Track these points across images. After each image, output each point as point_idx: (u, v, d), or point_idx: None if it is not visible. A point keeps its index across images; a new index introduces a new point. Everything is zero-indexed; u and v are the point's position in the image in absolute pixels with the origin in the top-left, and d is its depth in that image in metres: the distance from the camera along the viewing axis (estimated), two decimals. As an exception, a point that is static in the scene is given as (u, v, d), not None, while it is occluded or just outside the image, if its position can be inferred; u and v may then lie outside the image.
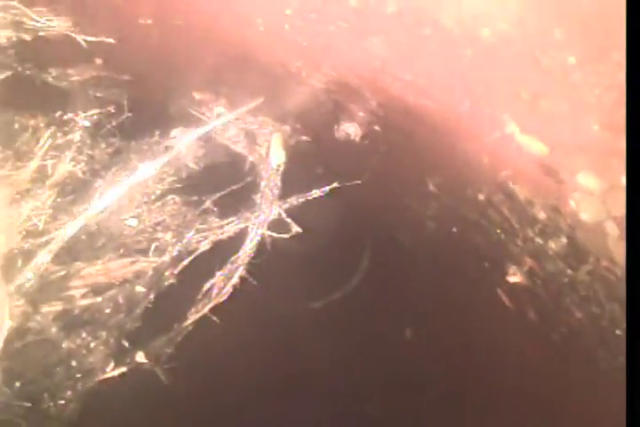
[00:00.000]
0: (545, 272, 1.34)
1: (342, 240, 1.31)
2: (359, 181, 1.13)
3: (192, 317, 1.04)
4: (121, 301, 0.94)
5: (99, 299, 1.01)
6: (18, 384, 0.95)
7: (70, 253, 1.05)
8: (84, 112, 1.03)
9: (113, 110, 1.08)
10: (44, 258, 1.01)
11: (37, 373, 0.96)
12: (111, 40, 1.17)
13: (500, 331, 1.34)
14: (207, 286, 1.04)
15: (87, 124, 1.03)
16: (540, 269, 1.38)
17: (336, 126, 1.04)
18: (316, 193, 1.00)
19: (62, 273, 1.03)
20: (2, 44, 1.10)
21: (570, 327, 1.29)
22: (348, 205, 1.20)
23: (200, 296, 1.04)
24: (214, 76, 1.01)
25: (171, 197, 1.11)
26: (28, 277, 0.99)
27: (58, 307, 1.01)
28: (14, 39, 1.17)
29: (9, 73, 1.12)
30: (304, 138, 1.12)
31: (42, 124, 1.01)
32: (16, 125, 0.98)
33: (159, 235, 1.07)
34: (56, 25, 1.18)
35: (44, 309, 1.00)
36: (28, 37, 1.17)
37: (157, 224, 1.10)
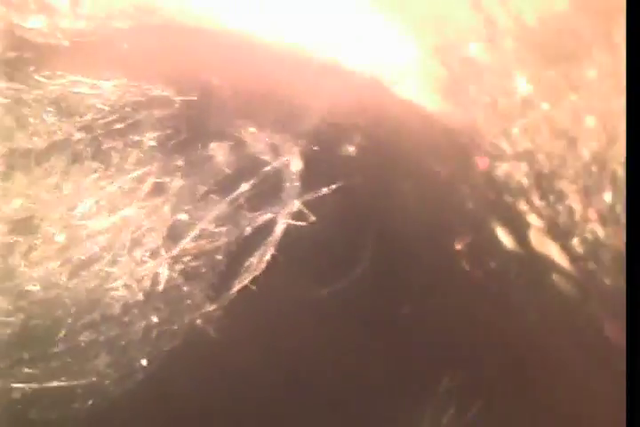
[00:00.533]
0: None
1: (348, 231, 1.58)
2: (361, 179, 1.44)
3: (236, 286, 1.35)
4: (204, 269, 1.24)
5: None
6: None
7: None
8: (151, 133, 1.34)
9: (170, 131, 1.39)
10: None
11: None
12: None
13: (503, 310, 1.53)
14: (247, 262, 1.36)
15: (153, 143, 1.34)
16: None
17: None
18: (325, 191, 1.31)
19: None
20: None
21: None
22: (353, 200, 1.50)
23: (242, 270, 1.36)
24: (249, 105, 1.31)
25: (211, 196, 1.42)
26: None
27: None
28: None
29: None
30: (316, 148, 1.42)
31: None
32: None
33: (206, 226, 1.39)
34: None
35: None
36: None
37: (201, 218, 1.42)
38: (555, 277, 1.52)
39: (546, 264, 1.53)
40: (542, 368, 1.31)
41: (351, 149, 1.28)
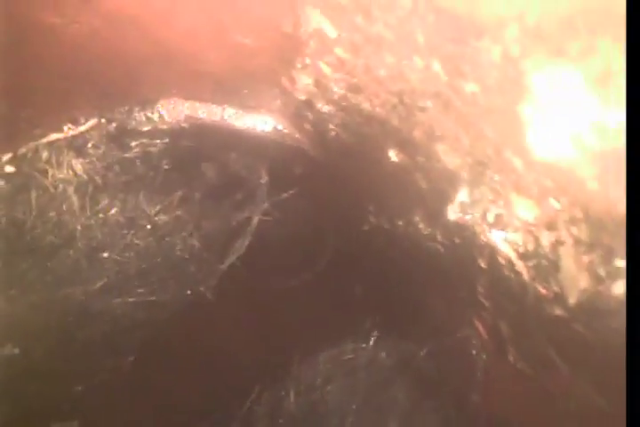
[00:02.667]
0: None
1: (310, 229, 2.01)
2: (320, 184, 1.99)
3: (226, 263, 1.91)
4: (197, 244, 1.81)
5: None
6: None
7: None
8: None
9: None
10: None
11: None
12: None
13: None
14: (234, 246, 1.93)
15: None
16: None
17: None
18: (285, 195, 1.87)
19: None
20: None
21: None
22: (315, 201, 2.04)
23: (230, 252, 1.92)
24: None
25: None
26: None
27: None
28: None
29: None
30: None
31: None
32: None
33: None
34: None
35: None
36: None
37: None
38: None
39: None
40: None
41: (299, 170, 1.84)
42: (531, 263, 1.37)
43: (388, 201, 1.68)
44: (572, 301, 1.30)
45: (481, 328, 1.56)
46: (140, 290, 1.61)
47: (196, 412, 1.64)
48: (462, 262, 1.53)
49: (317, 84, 1.53)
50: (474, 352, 1.62)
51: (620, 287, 1.24)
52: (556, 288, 1.32)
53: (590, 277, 1.24)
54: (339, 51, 1.38)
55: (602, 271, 1.25)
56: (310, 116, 1.63)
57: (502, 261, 1.44)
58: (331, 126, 1.61)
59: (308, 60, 1.48)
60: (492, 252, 1.45)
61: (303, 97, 1.61)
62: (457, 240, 1.53)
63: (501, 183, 1.37)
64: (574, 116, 1.20)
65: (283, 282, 1.95)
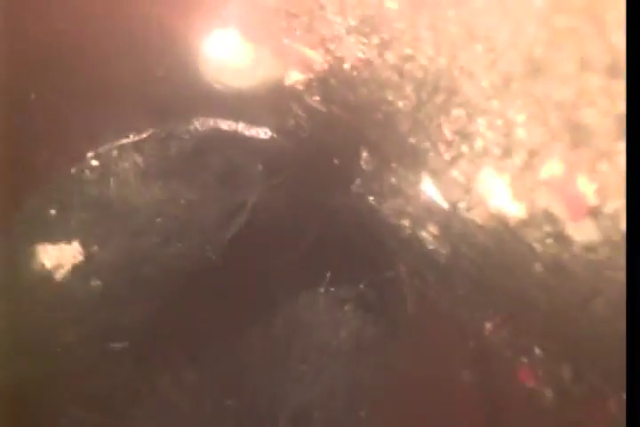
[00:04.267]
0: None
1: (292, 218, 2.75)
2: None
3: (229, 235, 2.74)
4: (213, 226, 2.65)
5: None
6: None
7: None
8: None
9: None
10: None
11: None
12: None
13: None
14: (234, 221, 2.75)
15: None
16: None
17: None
18: (274, 181, 2.71)
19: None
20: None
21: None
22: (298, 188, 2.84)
23: (232, 226, 2.75)
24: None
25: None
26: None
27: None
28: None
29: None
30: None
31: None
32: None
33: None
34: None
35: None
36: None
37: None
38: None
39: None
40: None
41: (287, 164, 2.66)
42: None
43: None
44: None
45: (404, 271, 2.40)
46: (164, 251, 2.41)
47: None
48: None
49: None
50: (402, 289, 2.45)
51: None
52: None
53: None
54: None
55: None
56: (299, 130, 2.47)
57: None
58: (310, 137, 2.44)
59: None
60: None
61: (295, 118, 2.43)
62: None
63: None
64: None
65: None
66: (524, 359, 1.79)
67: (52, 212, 2.25)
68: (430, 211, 1.99)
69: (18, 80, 2.18)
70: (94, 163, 2.38)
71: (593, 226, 1.36)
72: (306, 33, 1.94)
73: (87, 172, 2.36)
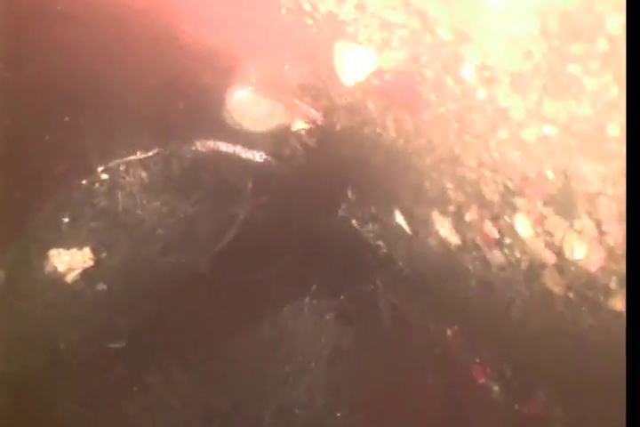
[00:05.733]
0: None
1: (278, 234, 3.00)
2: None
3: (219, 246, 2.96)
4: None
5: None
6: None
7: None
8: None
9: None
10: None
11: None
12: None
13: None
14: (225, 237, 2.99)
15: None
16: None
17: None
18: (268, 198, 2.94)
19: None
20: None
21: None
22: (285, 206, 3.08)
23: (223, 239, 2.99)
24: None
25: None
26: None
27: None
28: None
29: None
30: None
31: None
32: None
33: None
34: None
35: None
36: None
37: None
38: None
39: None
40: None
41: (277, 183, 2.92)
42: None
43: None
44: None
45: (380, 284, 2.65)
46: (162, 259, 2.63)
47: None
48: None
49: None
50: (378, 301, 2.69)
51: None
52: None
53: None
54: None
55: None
56: (290, 152, 2.73)
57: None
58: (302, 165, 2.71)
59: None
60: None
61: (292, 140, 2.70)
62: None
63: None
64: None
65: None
66: (477, 359, 2.01)
67: (65, 220, 2.48)
68: (399, 236, 2.37)
69: (47, 101, 2.41)
70: (104, 176, 2.61)
71: (499, 253, 1.90)
72: (313, 100, 2.36)
73: (97, 184, 2.59)
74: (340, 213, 2.60)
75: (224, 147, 2.69)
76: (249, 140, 2.72)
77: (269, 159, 2.80)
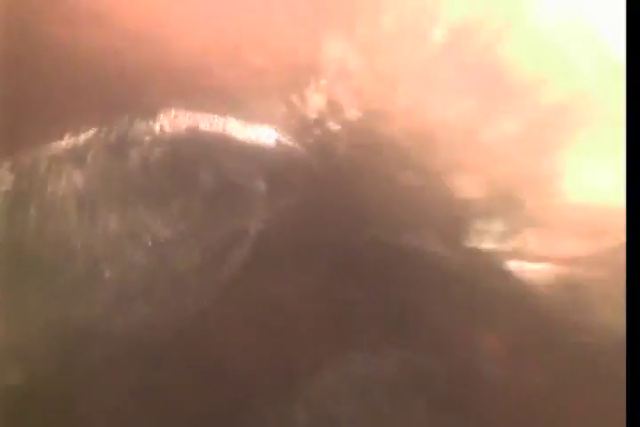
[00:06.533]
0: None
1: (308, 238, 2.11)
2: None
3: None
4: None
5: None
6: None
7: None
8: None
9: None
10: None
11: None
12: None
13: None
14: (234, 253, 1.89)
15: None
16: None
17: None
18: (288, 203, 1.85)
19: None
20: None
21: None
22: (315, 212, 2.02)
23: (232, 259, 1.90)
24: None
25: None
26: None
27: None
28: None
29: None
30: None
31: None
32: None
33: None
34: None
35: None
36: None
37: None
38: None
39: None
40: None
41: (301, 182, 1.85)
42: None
43: (395, 217, 1.74)
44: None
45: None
46: (143, 310, 1.58)
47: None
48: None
49: (331, 104, 1.56)
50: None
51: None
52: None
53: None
54: (359, 77, 1.41)
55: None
56: (319, 133, 1.66)
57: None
58: (339, 145, 1.64)
59: (323, 81, 1.51)
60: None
61: (313, 115, 1.63)
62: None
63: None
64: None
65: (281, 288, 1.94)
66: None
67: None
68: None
69: None
70: (9, 177, 1.51)
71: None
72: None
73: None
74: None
75: (204, 122, 1.61)
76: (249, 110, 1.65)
77: (282, 139, 1.77)
